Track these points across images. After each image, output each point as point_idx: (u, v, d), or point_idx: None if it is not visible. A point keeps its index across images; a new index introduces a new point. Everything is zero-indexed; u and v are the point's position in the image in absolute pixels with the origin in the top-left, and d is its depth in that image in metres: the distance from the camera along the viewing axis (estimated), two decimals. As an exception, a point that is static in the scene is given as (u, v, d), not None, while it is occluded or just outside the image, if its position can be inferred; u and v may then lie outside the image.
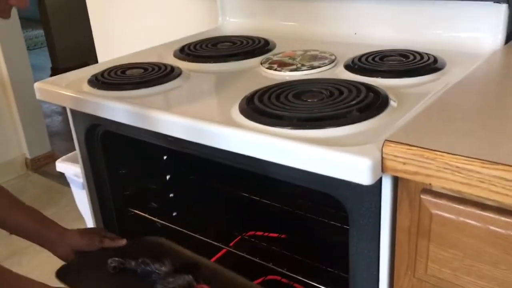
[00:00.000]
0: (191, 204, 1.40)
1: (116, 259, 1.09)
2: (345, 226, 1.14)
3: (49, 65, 4.32)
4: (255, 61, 1.12)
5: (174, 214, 1.38)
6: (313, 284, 1.02)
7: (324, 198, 1.12)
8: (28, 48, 2.78)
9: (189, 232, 1.18)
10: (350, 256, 0.80)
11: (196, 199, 1.42)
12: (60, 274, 1.11)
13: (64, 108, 1.13)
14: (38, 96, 1.09)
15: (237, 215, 1.45)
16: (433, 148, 0.62)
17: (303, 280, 1.05)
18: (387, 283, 0.76)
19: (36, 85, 1.08)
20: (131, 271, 1.08)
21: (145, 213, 1.24)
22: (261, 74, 1.05)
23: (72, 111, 1.10)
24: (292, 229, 1.35)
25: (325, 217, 1.22)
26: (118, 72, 1.09)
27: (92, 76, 1.08)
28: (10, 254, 2.06)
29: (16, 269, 2.04)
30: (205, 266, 1.12)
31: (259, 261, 1.10)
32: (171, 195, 1.38)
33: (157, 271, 1.05)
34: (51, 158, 2.76)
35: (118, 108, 0.94)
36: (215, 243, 1.15)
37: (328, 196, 0.82)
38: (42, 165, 2.81)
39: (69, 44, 4.08)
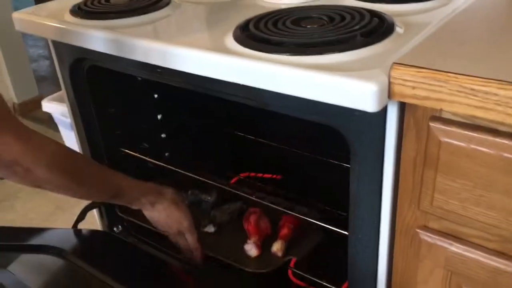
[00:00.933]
0: (183, 144, 1.36)
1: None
2: (343, 164, 1.12)
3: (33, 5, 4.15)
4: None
5: (166, 154, 1.34)
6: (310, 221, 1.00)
7: (322, 136, 1.09)
8: (10, -10, 2.65)
9: (182, 171, 1.14)
10: (350, 191, 0.76)
11: (188, 139, 1.38)
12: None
13: (51, 52, 1.06)
14: (17, 27, 1.01)
15: (231, 156, 1.41)
16: (446, 70, 0.57)
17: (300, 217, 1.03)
18: (389, 216, 0.73)
19: (15, 15, 1.01)
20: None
21: (137, 153, 1.20)
22: (257, 2, 0.98)
23: (55, 43, 1.03)
24: (289, 169, 1.32)
25: (323, 156, 1.18)
26: (102, 1, 1.02)
27: (75, 5, 1.00)
28: (3, 198, 2.04)
29: (9, 213, 2.03)
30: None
31: (255, 199, 1.08)
32: (163, 135, 1.33)
33: (205, 200, 1.18)
34: (39, 102, 2.69)
35: (103, 38, 0.87)
36: (211, 182, 1.12)
37: (326, 133, 0.78)
38: (30, 110, 2.74)
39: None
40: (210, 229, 1.14)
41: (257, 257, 1.05)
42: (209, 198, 1.20)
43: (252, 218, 1.11)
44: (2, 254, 0.94)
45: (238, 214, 1.16)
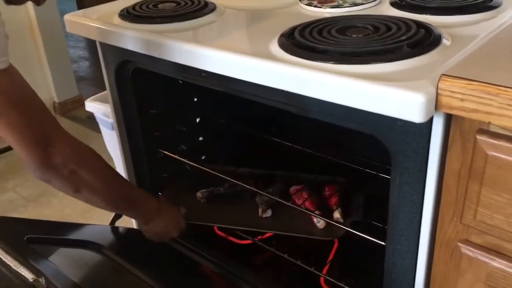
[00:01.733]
0: (221, 148, 1.38)
1: (203, 190, 1.22)
2: (380, 175, 1.12)
3: (75, 7, 4.27)
4: (293, -4, 1.06)
5: (203, 157, 1.36)
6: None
7: (360, 143, 1.09)
8: (55, -7, 2.74)
9: (219, 175, 1.15)
10: (390, 201, 0.76)
11: (225, 143, 1.40)
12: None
13: (91, 53, 1.10)
14: (68, 29, 1.05)
15: (268, 160, 1.42)
16: (496, 83, 0.56)
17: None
18: (430, 229, 0.72)
19: (66, 17, 1.05)
20: (219, 196, 1.23)
21: (175, 155, 1.22)
22: (300, 11, 0.99)
23: (102, 45, 1.06)
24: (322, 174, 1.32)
25: (360, 165, 1.18)
26: (150, 6, 1.05)
27: (123, 9, 1.03)
28: (39, 194, 2.10)
29: (46, 209, 2.08)
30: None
31: (292, 205, 1.09)
32: (201, 138, 1.36)
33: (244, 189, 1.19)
34: (79, 102, 2.77)
35: (149, 41, 0.90)
36: (247, 187, 1.13)
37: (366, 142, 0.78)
38: (70, 109, 2.81)
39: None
40: (268, 213, 1.17)
41: (324, 228, 1.10)
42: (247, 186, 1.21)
43: (305, 194, 1.16)
44: (44, 246, 0.97)
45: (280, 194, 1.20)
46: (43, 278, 0.79)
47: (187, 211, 1.14)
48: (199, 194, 1.23)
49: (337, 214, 1.10)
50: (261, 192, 1.14)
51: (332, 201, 1.14)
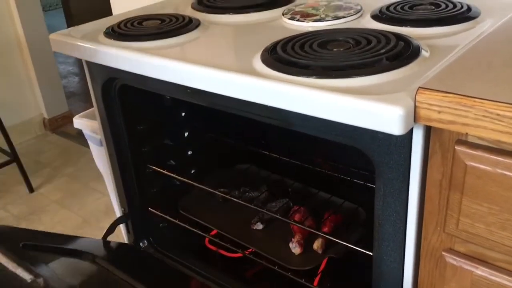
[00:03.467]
0: (209, 161, 1.38)
1: (222, 190, 1.21)
2: (368, 184, 1.13)
3: (65, 26, 4.28)
4: (276, 12, 1.08)
5: (193, 172, 1.37)
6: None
7: (348, 156, 1.10)
8: (44, 9, 2.73)
9: (209, 189, 1.16)
10: (375, 211, 0.77)
11: (214, 156, 1.40)
12: (182, 207, 1.27)
13: (80, 69, 1.11)
14: (53, 48, 1.06)
15: (257, 174, 1.43)
16: (472, 95, 0.58)
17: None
18: (414, 238, 0.73)
19: (52, 36, 1.05)
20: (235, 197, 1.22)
21: (164, 170, 1.23)
22: (283, 25, 1.01)
23: (88, 64, 1.07)
24: (313, 187, 1.33)
25: (348, 175, 1.19)
26: (135, 23, 1.06)
27: (108, 27, 1.04)
28: (30, 212, 2.09)
29: (38, 226, 2.08)
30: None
31: (287, 220, 1.10)
32: (189, 152, 1.36)
33: (255, 197, 1.23)
34: (69, 118, 2.77)
35: (135, 59, 0.91)
36: (239, 201, 1.14)
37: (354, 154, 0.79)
38: (60, 125, 2.81)
39: (84, 6, 4.02)
40: (259, 226, 1.20)
41: (300, 255, 1.11)
42: (259, 194, 1.26)
43: (297, 217, 1.16)
44: (39, 253, 0.98)
45: (284, 211, 1.21)
46: (41, 279, 0.79)
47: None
48: (218, 191, 1.21)
49: (316, 245, 1.11)
50: (249, 205, 1.14)
51: (323, 229, 1.12)
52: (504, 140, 0.56)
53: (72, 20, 4.21)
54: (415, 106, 0.62)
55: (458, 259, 0.69)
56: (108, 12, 1.99)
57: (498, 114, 0.55)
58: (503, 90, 0.59)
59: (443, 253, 0.70)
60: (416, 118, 0.62)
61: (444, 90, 0.60)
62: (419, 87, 0.62)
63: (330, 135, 0.76)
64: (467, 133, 0.59)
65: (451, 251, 0.70)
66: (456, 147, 0.63)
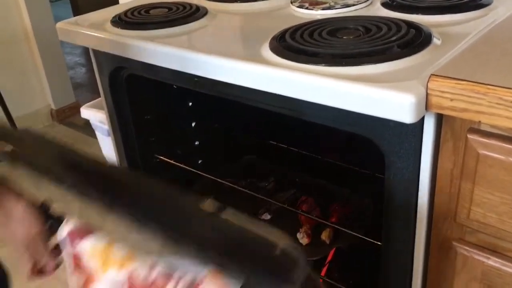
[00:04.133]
0: (217, 152, 1.38)
1: (229, 180, 1.19)
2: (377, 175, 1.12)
3: (71, 17, 4.27)
4: (284, 0, 1.06)
5: (199, 162, 1.36)
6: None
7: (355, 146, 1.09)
8: (50, 0, 2.73)
9: (217, 179, 1.15)
10: (385, 201, 0.76)
11: (221, 148, 1.40)
12: None
13: (87, 60, 1.10)
14: (60, 37, 1.05)
15: (264, 165, 1.42)
16: (485, 82, 0.56)
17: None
18: (425, 229, 0.73)
19: (58, 25, 1.05)
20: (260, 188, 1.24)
21: (171, 160, 1.22)
22: (292, 13, 1.00)
23: (95, 52, 1.06)
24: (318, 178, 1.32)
25: (356, 166, 1.18)
26: (142, 12, 1.05)
27: (115, 16, 1.04)
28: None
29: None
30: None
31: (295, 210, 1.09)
32: (196, 143, 1.36)
33: (262, 187, 1.23)
34: (76, 109, 2.76)
35: (142, 47, 0.90)
36: (246, 190, 1.13)
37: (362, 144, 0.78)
38: (67, 116, 2.81)
39: (90, -4, 4.02)
40: (267, 216, 1.19)
41: (307, 245, 1.10)
42: (266, 184, 1.24)
43: (304, 207, 1.15)
44: None
45: (292, 201, 1.20)
46: None
47: None
48: (225, 181, 1.18)
49: (324, 235, 1.10)
50: (258, 195, 1.14)
51: (331, 220, 1.13)
52: (518, 128, 0.55)
53: (79, 11, 4.20)
54: (427, 94, 0.61)
55: (469, 249, 0.68)
56: (114, 2, 1.99)
57: (512, 102, 0.54)
58: (518, 77, 0.58)
59: (454, 243, 0.69)
60: (427, 106, 0.61)
61: (457, 77, 0.59)
62: (431, 75, 0.61)
63: (340, 124, 0.75)
64: (480, 121, 0.58)
65: (462, 241, 0.69)
66: (468, 136, 0.62)
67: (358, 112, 0.66)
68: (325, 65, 0.71)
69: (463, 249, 0.69)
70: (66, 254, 0.63)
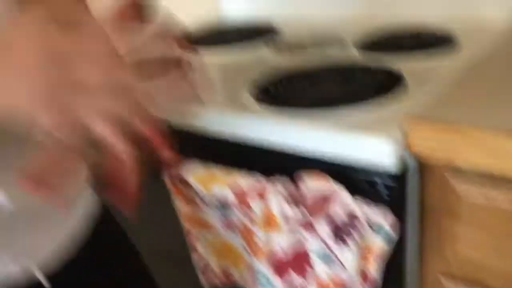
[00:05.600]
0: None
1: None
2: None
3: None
4: (260, 46, 1.09)
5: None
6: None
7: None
8: None
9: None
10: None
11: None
12: None
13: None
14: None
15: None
16: (459, 124, 0.59)
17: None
18: (415, 265, 0.74)
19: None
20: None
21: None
22: (269, 60, 1.02)
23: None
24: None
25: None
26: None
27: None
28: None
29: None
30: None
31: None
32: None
33: None
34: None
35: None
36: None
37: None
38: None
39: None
40: None
41: None
42: None
43: None
44: None
45: None
46: None
47: None
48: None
49: None
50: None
51: None
52: (494, 167, 0.57)
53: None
54: (404, 137, 0.63)
55: (456, 285, 0.69)
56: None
57: (485, 141, 0.57)
58: (490, 117, 0.60)
59: (442, 278, 0.71)
60: (406, 149, 0.63)
61: (432, 119, 0.61)
62: (407, 117, 0.63)
63: (321, 166, 0.77)
64: (456, 162, 0.61)
65: (449, 276, 0.70)
66: (447, 176, 0.64)
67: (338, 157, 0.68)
68: (303, 111, 0.73)
69: (451, 284, 0.70)
70: None
